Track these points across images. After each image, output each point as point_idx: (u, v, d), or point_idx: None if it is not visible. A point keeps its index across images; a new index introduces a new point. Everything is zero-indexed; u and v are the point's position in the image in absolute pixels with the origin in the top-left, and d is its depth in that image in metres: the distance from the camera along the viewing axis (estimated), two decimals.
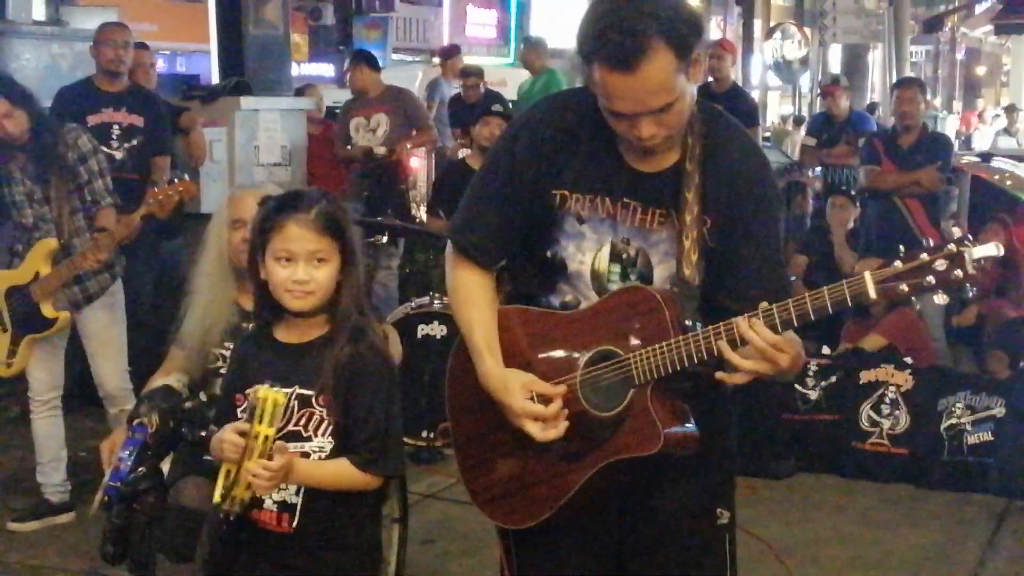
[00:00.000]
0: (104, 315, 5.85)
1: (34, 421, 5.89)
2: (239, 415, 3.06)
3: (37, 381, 5.85)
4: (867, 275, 2.62)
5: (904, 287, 2.60)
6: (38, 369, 5.82)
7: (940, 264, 2.58)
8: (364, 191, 9.35)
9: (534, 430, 2.86)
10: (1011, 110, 25.50)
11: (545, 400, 2.87)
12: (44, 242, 5.61)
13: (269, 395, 2.88)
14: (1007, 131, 24.36)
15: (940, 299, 2.64)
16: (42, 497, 5.88)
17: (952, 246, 2.58)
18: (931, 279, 2.58)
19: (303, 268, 3.02)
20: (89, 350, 5.93)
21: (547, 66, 12.32)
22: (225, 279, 4.17)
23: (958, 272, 2.57)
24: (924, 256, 2.59)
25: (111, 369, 5.85)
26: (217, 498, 2.96)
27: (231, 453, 2.92)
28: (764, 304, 2.69)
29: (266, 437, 2.87)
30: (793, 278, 8.25)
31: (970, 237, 2.61)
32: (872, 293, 2.61)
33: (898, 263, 2.61)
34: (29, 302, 5.61)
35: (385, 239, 9.31)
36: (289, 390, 3.02)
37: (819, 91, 17.99)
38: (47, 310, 5.62)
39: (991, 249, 2.59)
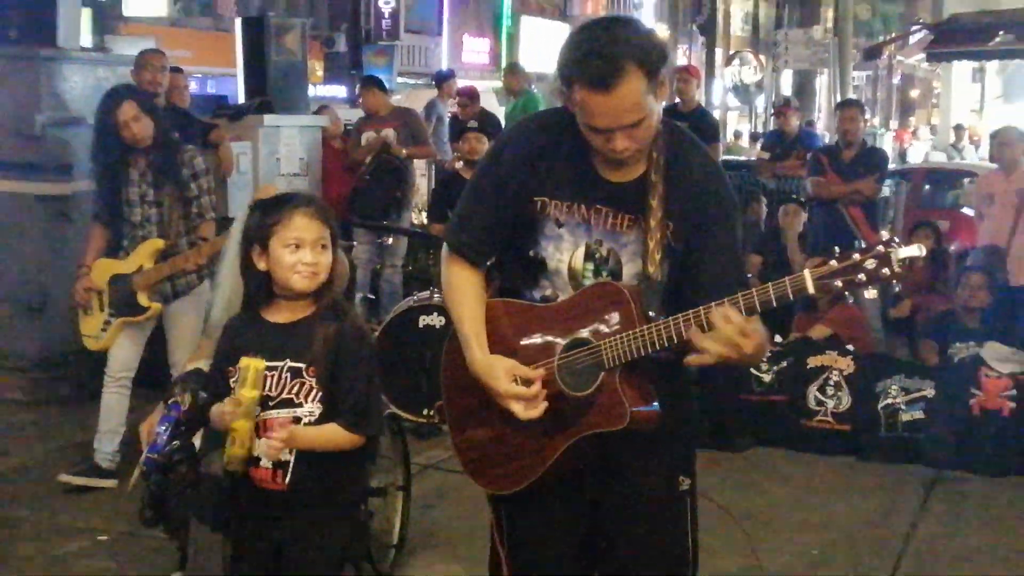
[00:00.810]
0: (188, 309, 5.86)
1: (104, 394, 5.92)
2: (231, 385, 3.12)
3: (115, 360, 5.87)
4: (806, 273, 2.64)
5: (839, 283, 2.62)
6: (119, 349, 5.86)
7: (870, 263, 2.60)
8: (366, 176, 9.37)
9: (518, 409, 2.88)
10: (958, 128, 25.36)
11: (527, 382, 2.89)
12: (152, 241, 5.73)
13: (251, 363, 2.98)
14: (955, 147, 24.22)
15: (870, 294, 2.68)
16: (94, 462, 5.89)
17: (881, 247, 2.60)
18: (862, 276, 2.60)
19: (311, 252, 3.11)
20: (169, 337, 5.95)
21: (525, 88, 12.38)
22: None
23: (885, 270, 2.59)
24: (856, 256, 2.61)
25: (184, 355, 5.83)
26: (225, 461, 3.06)
27: (227, 418, 3.01)
28: (739, 294, 2.71)
29: (251, 399, 2.98)
30: (749, 275, 8.25)
31: (896, 240, 2.63)
32: (810, 288, 2.63)
33: (833, 262, 2.63)
34: (128, 290, 5.71)
35: (391, 240, 9.37)
36: (277, 362, 3.10)
37: (772, 111, 18.00)
38: (143, 299, 5.73)
39: (914, 251, 2.61)
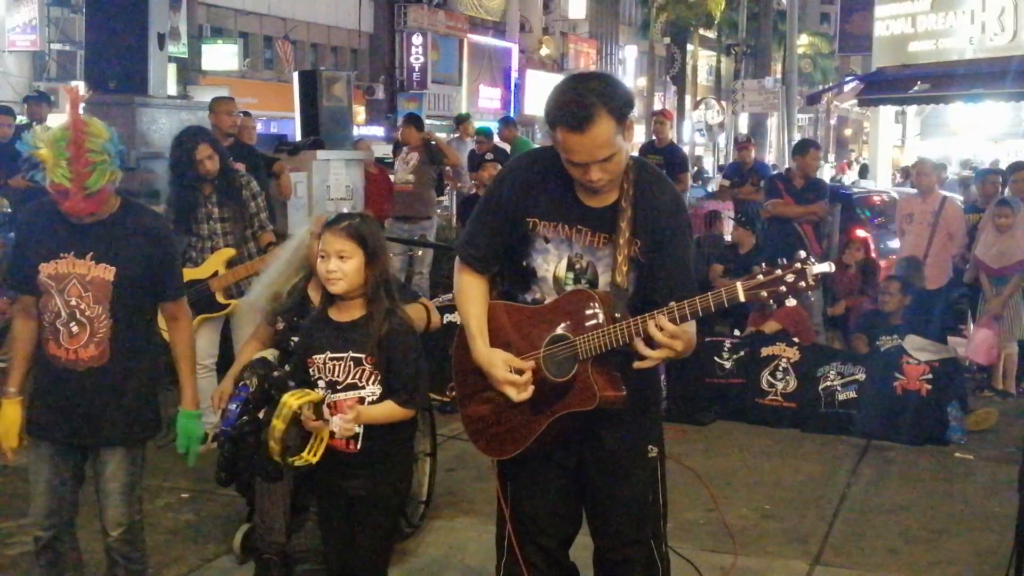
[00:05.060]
0: (251, 308, 5.85)
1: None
2: (310, 373, 3.20)
3: (200, 349, 5.79)
4: (738, 285, 2.63)
5: (764, 293, 2.60)
6: (202, 340, 5.81)
7: (789, 277, 2.59)
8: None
9: (511, 393, 2.90)
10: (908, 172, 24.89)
11: (519, 371, 2.91)
12: (225, 251, 5.77)
13: (289, 401, 3.07)
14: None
15: (791, 302, 2.62)
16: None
17: (798, 264, 2.59)
18: (783, 288, 2.59)
19: (333, 262, 3.18)
20: (234, 331, 5.94)
21: (515, 136, 12.50)
22: (296, 269, 4.21)
23: (802, 283, 2.58)
24: (778, 272, 2.60)
25: None
26: (293, 462, 3.13)
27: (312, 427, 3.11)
28: (673, 304, 2.72)
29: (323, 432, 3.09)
30: (713, 279, 8.25)
31: (811, 259, 2.61)
32: (742, 298, 2.62)
33: (760, 276, 2.62)
34: (206, 292, 5.71)
35: (420, 252, 9.40)
36: (341, 353, 3.16)
37: (734, 146, 17.97)
38: (221, 298, 5.76)
39: (825, 267, 2.60)
